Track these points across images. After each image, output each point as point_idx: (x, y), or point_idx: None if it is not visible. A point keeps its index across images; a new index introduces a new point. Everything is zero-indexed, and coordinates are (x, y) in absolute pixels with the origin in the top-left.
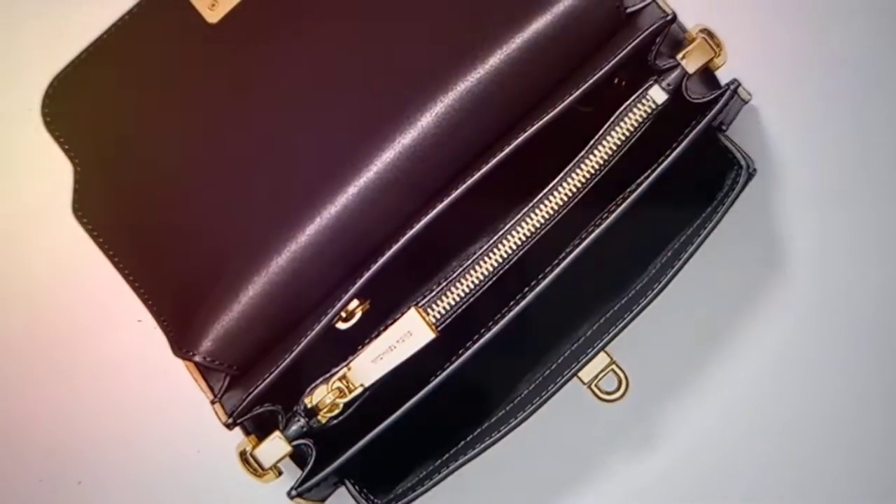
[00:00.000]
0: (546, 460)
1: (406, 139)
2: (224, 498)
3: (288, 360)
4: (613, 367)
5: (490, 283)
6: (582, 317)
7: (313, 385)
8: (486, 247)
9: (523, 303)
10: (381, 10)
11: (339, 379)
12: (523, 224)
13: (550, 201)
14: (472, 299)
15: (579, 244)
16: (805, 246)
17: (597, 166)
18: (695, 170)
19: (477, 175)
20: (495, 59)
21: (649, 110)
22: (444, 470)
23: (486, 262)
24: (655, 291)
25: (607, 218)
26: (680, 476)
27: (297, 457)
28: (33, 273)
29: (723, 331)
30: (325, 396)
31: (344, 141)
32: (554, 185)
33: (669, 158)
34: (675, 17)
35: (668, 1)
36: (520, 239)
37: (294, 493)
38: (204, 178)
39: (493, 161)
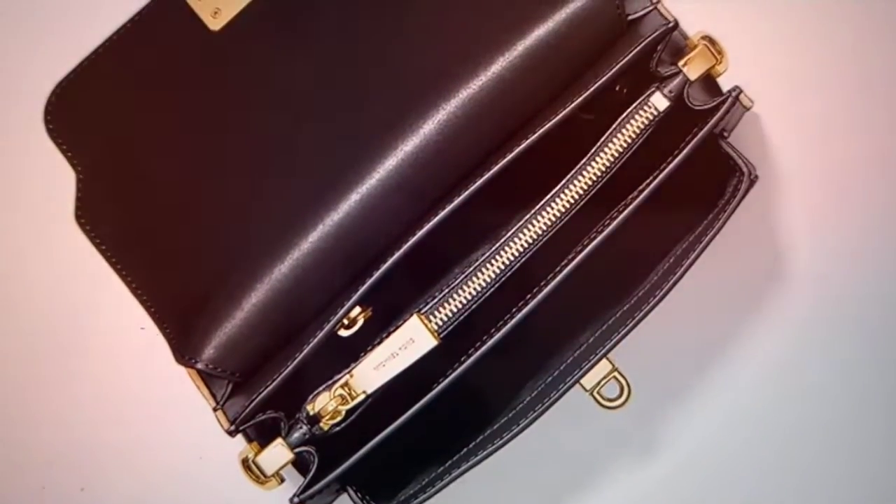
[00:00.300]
0: (548, 467)
1: (408, 146)
2: None
3: (290, 367)
4: (615, 374)
5: (492, 290)
6: (584, 324)
7: (316, 392)
8: (488, 254)
9: (525, 310)
10: (382, 17)
11: (342, 386)
12: (525, 231)
13: (552, 208)
14: (474, 306)
15: (581, 251)
16: (806, 252)
17: (599, 173)
18: (696, 176)
19: (479, 182)
20: (497, 67)
21: (651, 117)
22: (447, 477)
23: (488, 269)
24: (657, 298)
25: (609, 225)
26: (682, 483)
27: (300, 464)
28: (36, 280)
29: (724, 337)
30: (327, 403)
31: (346, 148)
32: (556, 192)
33: (671, 165)
34: (676, 25)
35: (670, 8)
36: (522, 246)
37: (296, 499)
38: (206, 185)
39: (495, 168)
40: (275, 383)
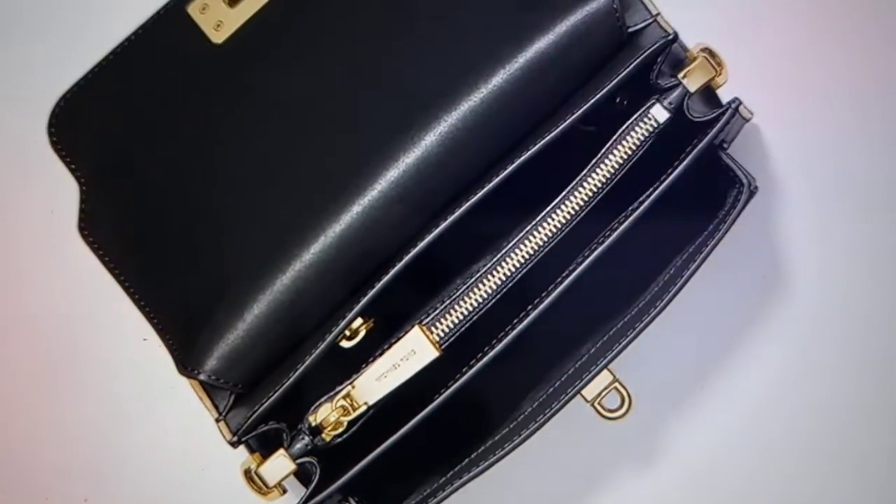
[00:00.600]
0: (550, 478)
1: (410, 158)
2: None
3: (292, 378)
4: (616, 384)
5: (493, 301)
6: (585, 335)
7: (318, 403)
8: (489, 265)
9: (526, 321)
10: (384, 30)
11: (344, 397)
12: (526, 242)
13: (553, 219)
14: (475, 317)
15: (582, 262)
16: (806, 263)
17: (599, 185)
18: (696, 188)
19: (480, 194)
20: (498, 79)
21: (651, 129)
22: (448, 487)
23: (489, 280)
24: (658, 309)
25: (610, 236)
26: (683, 493)
27: (302, 475)
28: (39, 291)
29: (725, 348)
30: (329, 414)
31: (348, 159)
32: (556, 204)
33: (671, 177)
34: (676, 37)
35: (670, 20)
36: (523, 257)
37: None
38: (209, 196)
39: (496, 180)
40: (277, 394)
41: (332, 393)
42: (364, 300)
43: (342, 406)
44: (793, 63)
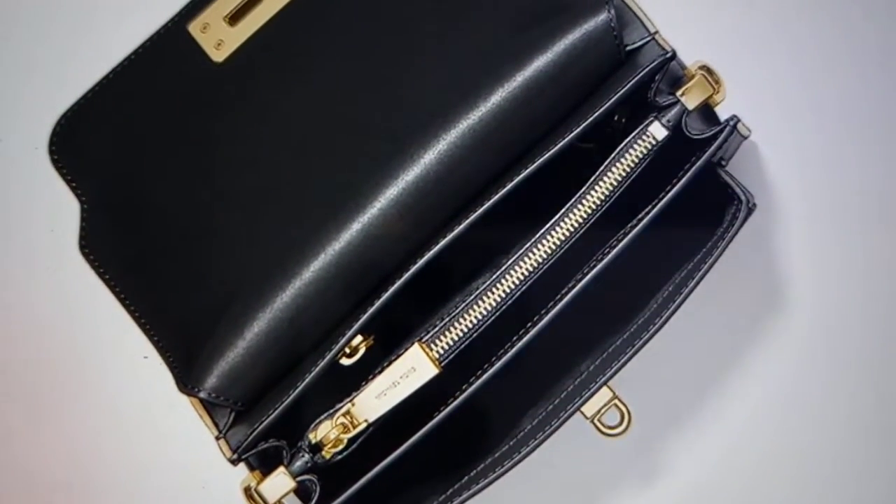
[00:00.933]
0: (549, 494)
1: (409, 175)
2: None
3: (292, 395)
4: (616, 401)
5: (493, 318)
6: (584, 352)
7: (317, 420)
8: (488, 282)
9: (526, 338)
10: (383, 49)
11: (344, 415)
12: (526, 259)
13: (552, 237)
14: (475, 335)
15: (581, 279)
16: (804, 279)
17: (598, 202)
18: (695, 205)
19: (479, 211)
20: (497, 97)
21: (649, 146)
22: None
23: (489, 298)
24: (657, 326)
25: (609, 253)
26: None
27: (302, 492)
28: (40, 309)
29: (724, 365)
30: (329, 432)
31: (347, 177)
32: (556, 221)
33: (670, 194)
34: (674, 55)
35: (668, 38)
36: (522, 274)
37: None
38: (209, 214)
39: (495, 197)
40: (277, 412)
41: (332, 410)
42: (363, 318)
43: (342, 423)
44: (790, 80)
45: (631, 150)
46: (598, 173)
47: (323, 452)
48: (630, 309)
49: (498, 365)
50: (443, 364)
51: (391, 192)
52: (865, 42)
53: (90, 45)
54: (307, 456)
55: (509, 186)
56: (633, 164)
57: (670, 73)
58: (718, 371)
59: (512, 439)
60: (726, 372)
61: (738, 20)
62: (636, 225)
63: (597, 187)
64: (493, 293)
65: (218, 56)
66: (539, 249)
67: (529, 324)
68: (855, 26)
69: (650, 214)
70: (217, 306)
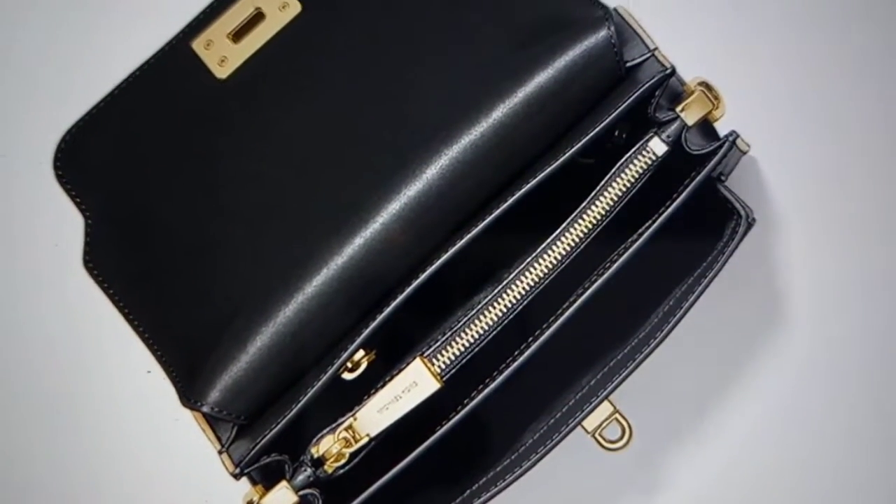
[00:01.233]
0: None
1: (411, 191)
2: None
3: (294, 410)
4: (617, 415)
5: (495, 332)
6: (585, 366)
7: (320, 435)
8: (490, 297)
9: (527, 353)
10: (385, 66)
11: (346, 429)
12: (527, 274)
13: (553, 251)
14: (476, 349)
15: (582, 294)
16: (804, 295)
17: (599, 217)
18: (695, 220)
19: (480, 225)
20: (498, 113)
21: (649, 162)
22: None
23: (490, 312)
24: (658, 340)
25: (609, 268)
26: None
27: None
28: (44, 323)
29: (724, 379)
30: (331, 446)
31: (349, 193)
32: (557, 236)
33: (670, 209)
34: (673, 71)
35: (667, 54)
36: (523, 289)
37: None
38: (212, 230)
39: (497, 212)
40: (279, 426)
41: (334, 425)
42: (365, 332)
43: (344, 438)
44: (789, 96)
45: (631, 166)
46: (598, 188)
47: (325, 467)
48: (631, 323)
49: (499, 380)
50: (444, 379)
51: (393, 206)
52: (865, 58)
53: (93, 61)
54: (309, 470)
55: (510, 201)
56: (633, 180)
57: (670, 88)
58: (719, 385)
59: (513, 453)
60: (727, 386)
61: (737, 37)
62: (637, 240)
63: (597, 202)
64: (494, 307)
65: (221, 73)
66: (540, 264)
67: (531, 338)
68: (854, 42)
69: (650, 229)
70: (220, 321)
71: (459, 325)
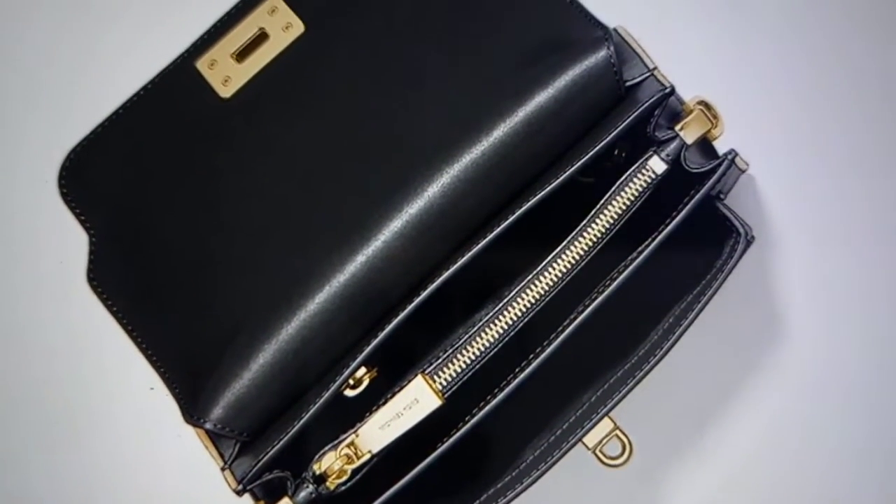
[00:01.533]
0: None
1: (413, 209)
2: None
3: (297, 427)
4: (617, 432)
5: (496, 349)
6: (586, 382)
7: (322, 452)
8: (491, 314)
9: (528, 370)
10: (387, 84)
11: (348, 446)
12: (528, 291)
13: (554, 269)
14: (477, 366)
15: (582, 311)
16: (803, 311)
17: (598, 235)
18: (694, 237)
19: (482, 243)
20: (499, 132)
21: (649, 180)
22: None
23: (491, 329)
24: (658, 357)
25: (609, 286)
26: None
27: None
28: (48, 339)
29: (724, 396)
30: (333, 463)
31: (351, 211)
32: (557, 254)
33: (670, 227)
34: (673, 90)
35: (667, 74)
36: (524, 307)
37: None
38: (215, 247)
39: (498, 230)
40: (282, 443)
41: (336, 441)
42: (367, 350)
43: (346, 454)
44: (787, 114)
45: (631, 184)
46: (598, 207)
47: (327, 483)
48: (631, 340)
49: (500, 397)
50: (446, 396)
51: (395, 224)
52: (864, 76)
53: (98, 80)
54: (311, 487)
55: (511, 219)
56: (632, 198)
57: (669, 107)
58: (719, 401)
59: (514, 469)
60: (727, 402)
61: (735, 56)
62: (637, 257)
63: (597, 220)
64: (495, 325)
65: (225, 92)
66: (541, 281)
67: (532, 355)
68: (854, 60)
69: (650, 247)
70: (223, 338)
71: (461, 342)
